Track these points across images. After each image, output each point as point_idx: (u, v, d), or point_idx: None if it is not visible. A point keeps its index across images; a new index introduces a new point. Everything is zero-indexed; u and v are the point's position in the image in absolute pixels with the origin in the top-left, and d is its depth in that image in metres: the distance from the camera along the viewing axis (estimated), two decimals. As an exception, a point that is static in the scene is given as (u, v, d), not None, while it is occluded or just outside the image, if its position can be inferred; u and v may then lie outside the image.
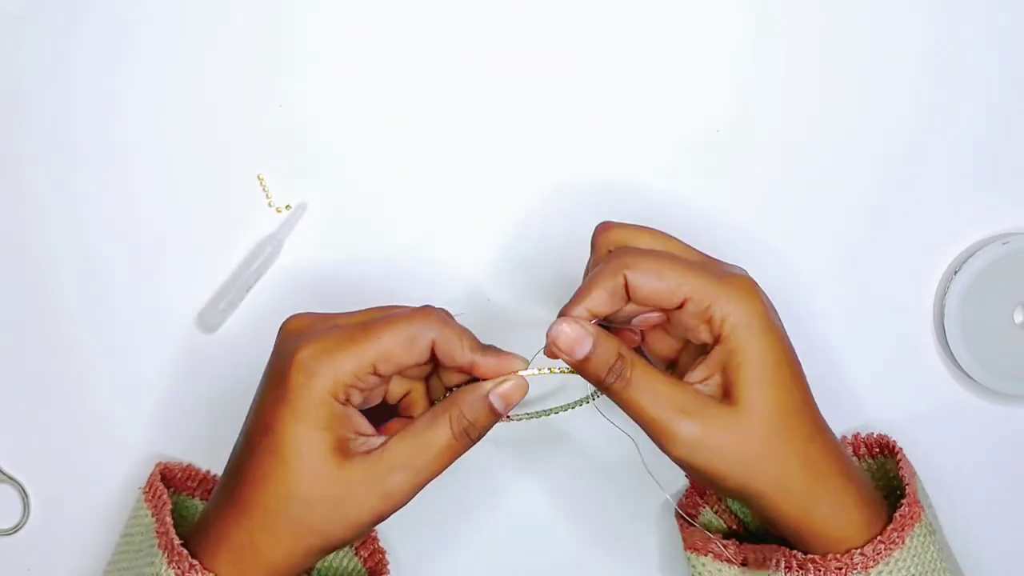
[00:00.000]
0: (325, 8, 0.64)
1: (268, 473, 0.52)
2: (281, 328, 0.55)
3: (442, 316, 0.53)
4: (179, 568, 0.52)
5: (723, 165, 0.64)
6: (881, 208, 0.64)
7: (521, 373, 0.53)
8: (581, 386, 0.55)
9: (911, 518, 0.54)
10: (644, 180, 0.64)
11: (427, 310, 0.53)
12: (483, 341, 0.54)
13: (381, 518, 0.52)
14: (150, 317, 0.64)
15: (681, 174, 0.64)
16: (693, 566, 0.59)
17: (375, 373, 0.52)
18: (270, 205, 0.64)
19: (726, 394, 0.52)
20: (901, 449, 0.60)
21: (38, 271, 0.65)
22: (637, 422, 0.53)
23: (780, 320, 0.54)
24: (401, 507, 0.52)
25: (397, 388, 0.56)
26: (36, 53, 0.64)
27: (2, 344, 0.65)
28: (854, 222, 0.64)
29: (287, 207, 0.64)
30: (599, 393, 0.55)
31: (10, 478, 0.65)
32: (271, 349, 0.55)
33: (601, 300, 0.53)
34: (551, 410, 0.58)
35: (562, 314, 0.53)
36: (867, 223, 0.64)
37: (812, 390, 0.54)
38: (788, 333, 0.54)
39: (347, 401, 0.52)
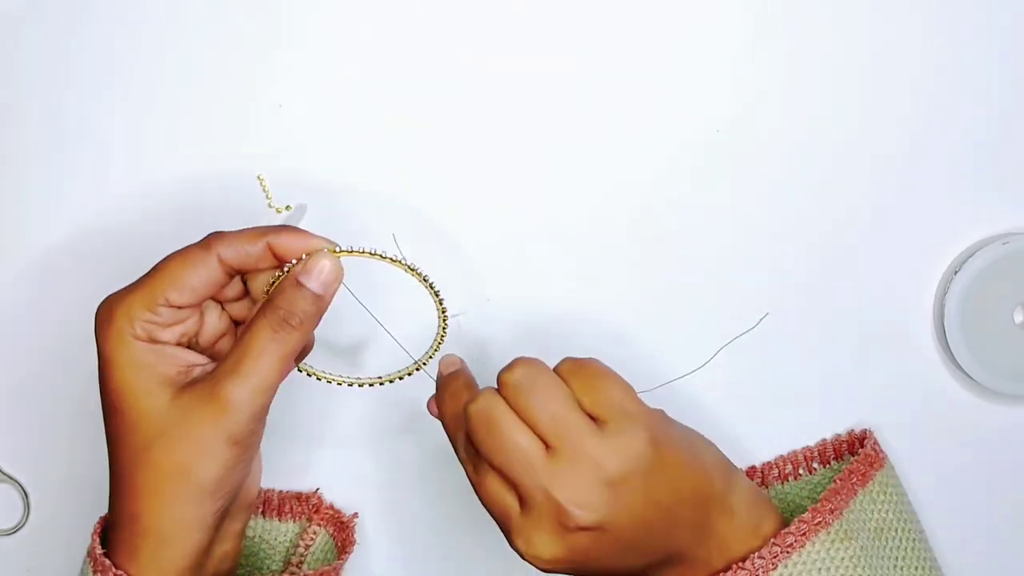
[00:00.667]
0: (325, 8, 0.64)
1: (114, 430, 0.52)
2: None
3: (222, 233, 0.53)
4: (97, 568, 0.52)
5: (723, 165, 0.64)
6: (881, 208, 0.64)
7: (328, 250, 0.52)
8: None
9: (815, 524, 0.54)
10: (644, 180, 0.64)
11: (210, 234, 0.53)
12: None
13: (234, 438, 0.51)
14: (150, 317, 0.64)
15: (681, 174, 0.64)
16: None
17: (170, 305, 0.52)
18: (270, 205, 0.64)
19: None
20: (872, 440, 0.60)
21: (37, 270, 0.65)
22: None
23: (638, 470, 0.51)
24: (251, 420, 0.51)
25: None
26: (36, 53, 0.64)
27: (2, 344, 0.65)
28: (854, 222, 0.64)
29: (287, 207, 0.64)
30: (427, 360, 0.55)
31: (10, 478, 0.65)
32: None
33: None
34: (384, 378, 0.57)
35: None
36: (867, 223, 0.64)
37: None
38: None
39: (153, 339, 0.52)
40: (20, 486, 0.65)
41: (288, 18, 0.64)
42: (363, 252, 0.53)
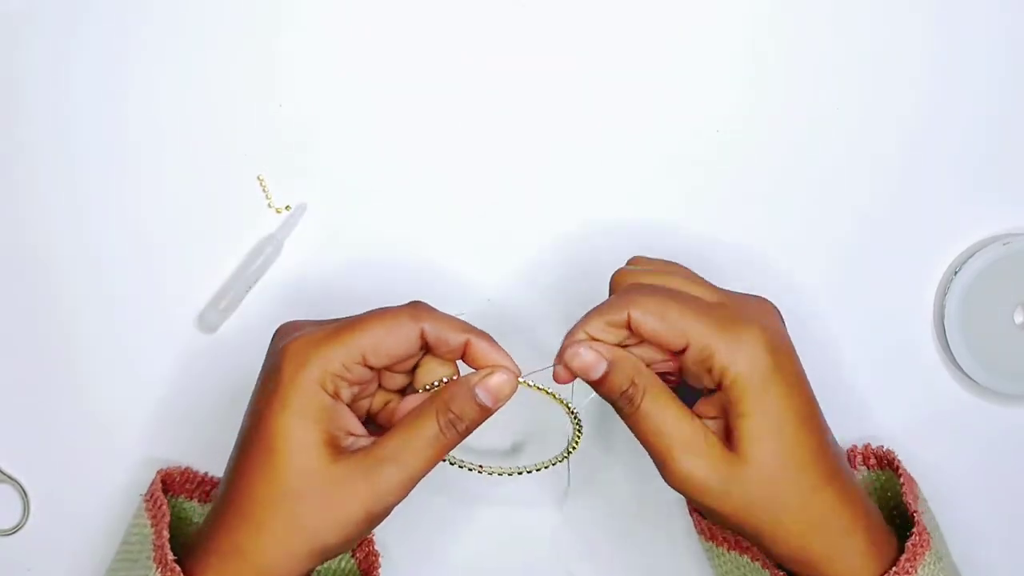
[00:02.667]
0: (325, 8, 0.64)
1: (258, 466, 0.52)
2: (276, 331, 0.55)
3: (429, 307, 0.54)
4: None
5: (723, 165, 0.64)
6: (881, 208, 0.64)
7: (514, 374, 0.53)
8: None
9: (921, 547, 0.54)
10: (644, 180, 0.64)
11: (415, 303, 0.54)
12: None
13: (372, 516, 0.52)
14: (150, 317, 0.64)
15: (681, 174, 0.64)
16: (712, 556, 0.59)
17: (364, 364, 0.52)
18: (270, 205, 0.64)
19: (728, 438, 0.52)
20: (900, 464, 0.60)
21: (38, 271, 0.65)
22: (643, 445, 0.53)
23: (793, 364, 0.53)
24: (393, 506, 0.52)
25: (380, 400, 0.56)
26: (36, 53, 0.64)
27: (2, 344, 0.65)
28: (854, 222, 0.64)
29: (287, 207, 0.64)
30: (569, 451, 0.56)
31: (10, 478, 0.65)
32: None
33: (600, 330, 0.53)
34: (527, 468, 0.58)
35: (568, 334, 0.53)
36: (867, 223, 0.64)
37: (812, 390, 0.54)
38: (791, 338, 0.54)
39: (336, 394, 0.52)
40: (20, 486, 0.65)
41: (288, 18, 0.64)
42: (540, 389, 0.54)
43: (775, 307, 0.55)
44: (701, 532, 0.60)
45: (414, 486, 0.52)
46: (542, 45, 0.64)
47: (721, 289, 0.55)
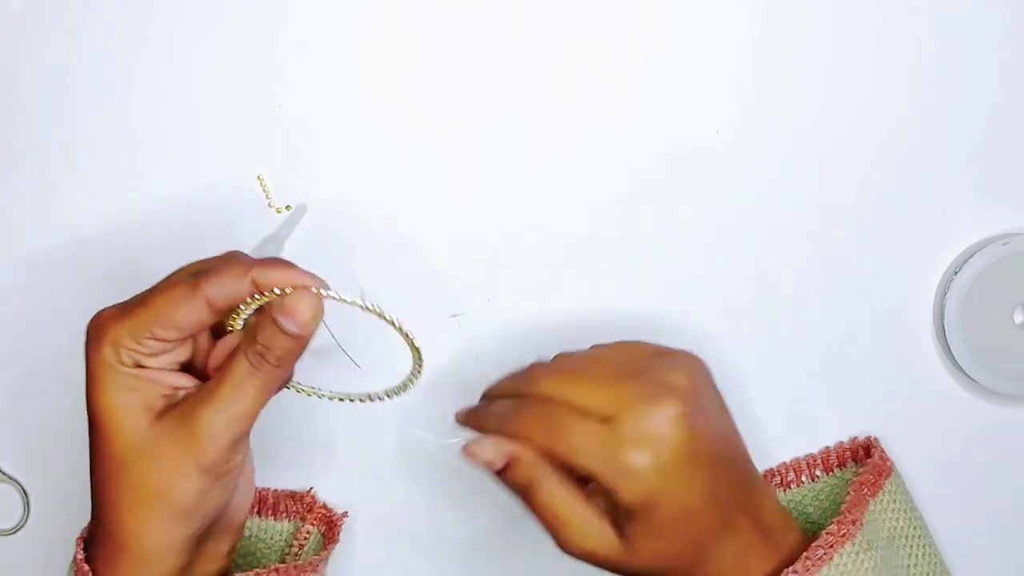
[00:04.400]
0: (325, 8, 0.64)
1: (96, 449, 0.52)
2: None
3: (209, 263, 0.52)
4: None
5: (723, 165, 0.64)
6: (881, 209, 0.64)
7: (313, 290, 0.51)
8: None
9: (841, 536, 0.54)
10: (643, 180, 0.64)
11: (194, 264, 0.53)
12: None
13: (204, 462, 0.51)
14: (150, 317, 0.64)
15: (680, 174, 0.64)
16: None
17: (155, 338, 0.51)
18: (270, 205, 0.64)
19: (616, 526, 0.52)
20: (876, 452, 0.60)
21: (38, 271, 0.65)
22: (540, 524, 0.53)
23: (692, 454, 0.51)
24: (223, 449, 0.51)
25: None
26: (37, 53, 0.64)
27: (2, 344, 0.65)
28: (853, 223, 0.64)
29: (287, 207, 0.64)
30: (410, 380, 0.55)
31: (10, 478, 0.65)
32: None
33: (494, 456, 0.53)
34: (359, 396, 0.57)
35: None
36: (867, 223, 0.64)
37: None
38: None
39: (139, 366, 0.52)
40: (20, 486, 0.65)
41: (288, 18, 0.64)
42: (347, 300, 0.52)
43: (695, 368, 0.54)
44: None
45: (243, 426, 0.51)
46: (542, 45, 0.64)
47: (625, 367, 0.53)
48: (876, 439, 0.63)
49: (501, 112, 0.64)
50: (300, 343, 0.52)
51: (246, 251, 0.64)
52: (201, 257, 0.64)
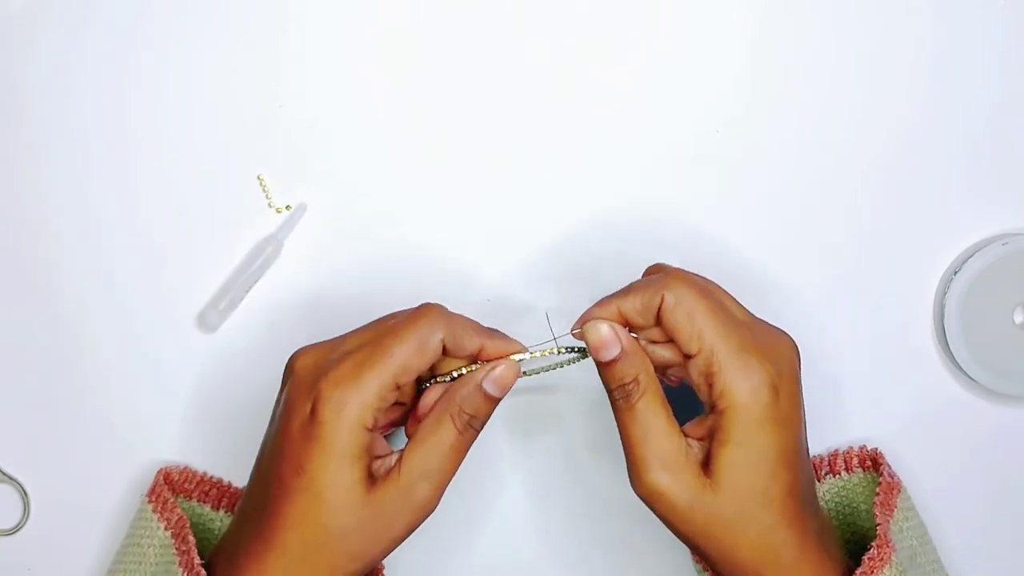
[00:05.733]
0: (325, 8, 0.64)
1: (304, 512, 0.51)
2: (290, 363, 0.54)
3: (443, 311, 0.54)
4: None
5: (723, 165, 0.64)
6: (881, 209, 0.64)
7: (515, 357, 0.54)
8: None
9: (880, 560, 0.54)
10: (643, 180, 0.64)
11: (427, 309, 0.53)
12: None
13: (413, 528, 0.53)
14: (150, 317, 0.64)
15: (680, 174, 0.64)
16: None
17: (396, 388, 0.52)
18: (270, 205, 0.64)
19: (707, 461, 0.52)
20: (885, 469, 0.60)
21: (38, 271, 0.65)
22: (623, 446, 0.53)
23: (793, 404, 0.53)
24: (431, 513, 0.53)
25: None
26: (37, 53, 0.64)
27: (2, 344, 0.65)
28: (854, 223, 0.64)
29: (287, 207, 0.64)
30: (579, 355, 0.56)
31: (10, 478, 0.65)
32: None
33: (632, 309, 0.53)
34: (544, 367, 0.58)
35: (598, 303, 0.54)
36: (867, 224, 0.64)
37: (811, 390, 0.54)
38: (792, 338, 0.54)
39: (375, 426, 0.52)
40: (20, 486, 0.65)
41: (288, 18, 0.64)
42: (544, 353, 0.55)
43: (795, 345, 0.55)
44: (699, 561, 0.60)
45: (444, 491, 0.53)
46: (543, 45, 0.64)
47: (749, 313, 0.55)
48: (880, 453, 0.62)
49: (501, 112, 0.64)
50: (495, 405, 0.54)
51: (246, 251, 0.64)
52: (198, 256, 0.64)
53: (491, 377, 0.53)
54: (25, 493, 0.65)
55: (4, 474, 0.65)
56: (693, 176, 0.64)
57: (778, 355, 0.53)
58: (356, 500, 0.51)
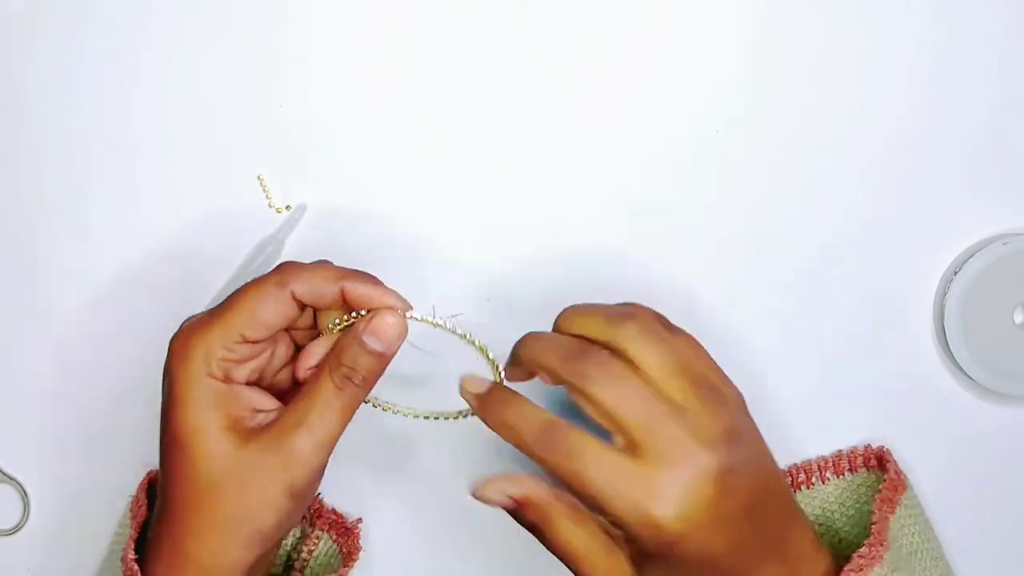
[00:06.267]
0: (325, 8, 0.64)
1: (175, 467, 0.52)
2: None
3: (296, 263, 0.53)
4: None
5: (723, 165, 0.64)
6: (881, 209, 0.64)
7: (403, 314, 0.52)
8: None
9: (871, 558, 0.53)
10: (643, 180, 0.64)
11: (281, 264, 0.53)
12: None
13: (295, 490, 0.51)
14: (150, 317, 0.64)
15: (680, 174, 0.64)
16: None
17: (246, 341, 0.52)
18: (270, 205, 0.64)
19: (634, 560, 0.51)
20: (891, 466, 0.60)
21: (38, 271, 0.65)
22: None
23: (717, 507, 0.49)
24: (315, 472, 0.52)
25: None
26: (37, 53, 0.64)
27: (2, 344, 0.65)
28: (853, 222, 0.64)
29: (287, 207, 0.64)
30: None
31: (10, 478, 0.65)
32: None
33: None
34: (444, 414, 0.56)
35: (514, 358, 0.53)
36: (867, 223, 0.64)
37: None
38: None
39: (228, 377, 0.52)
40: (20, 486, 0.65)
41: (288, 18, 0.64)
42: (432, 321, 0.53)
43: (739, 408, 0.52)
44: None
45: (331, 448, 0.52)
46: (543, 45, 0.64)
47: (661, 404, 0.49)
48: (888, 450, 0.62)
49: (501, 112, 0.64)
50: (383, 362, 0.53)
51: (246, 251, 0.64)
52: (199, 256, 0.64)
53: (370, 327, 0.52)
54: (25, 493, 0.65)
55: (4, 474, 0.65)
56: (693, 176, 0.64)
57: (693, 468, 0.48)
58: (223, 451, 0.51)
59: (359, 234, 0.64)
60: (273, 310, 0.52)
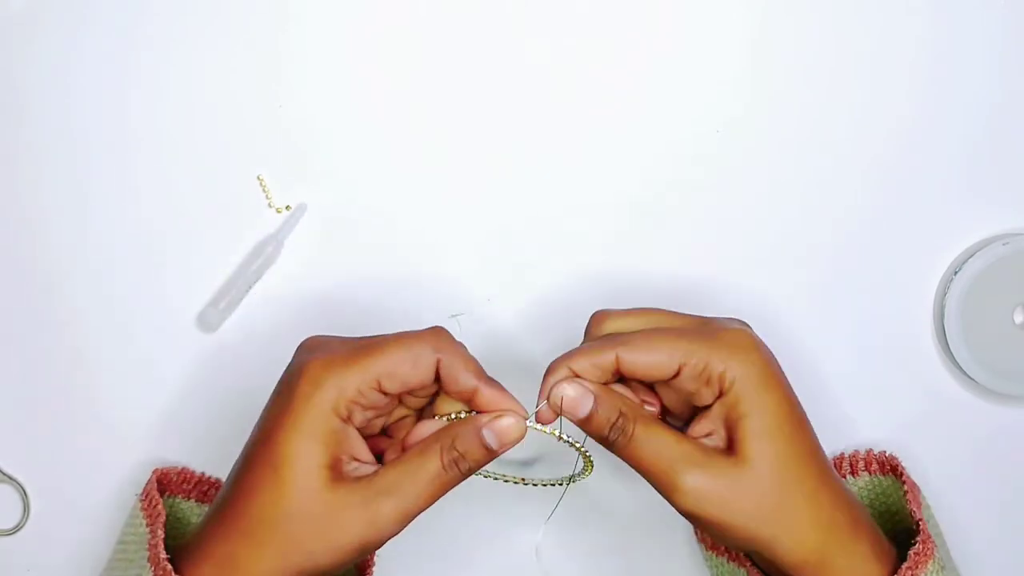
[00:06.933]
0: (325, 8, 0.64)
1: (260, 483, 0.51)
2: (299, 345, 0.54)
3: (450, 338, 0.53)
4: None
5: (723, 165, 0.64)
6: (881, 209, 0.64)
7: (522, 420, 0.53)
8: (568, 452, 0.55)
9: (924, 555, 0.53)
10: (643, 180, 0.64)
11: (436, 330, 0.53)
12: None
13: (366, 545, 0.52)
14: (150, 317, 0.64)
15: (680, 174, 0.64)
16: (711, 567, 0.59)
17: (379, 390, 0.52)
18: (270, 205, 0.64)
19: (730, 447, 0.52)
20: (904, 470, 0.60)
21: (38, 271, 0.65)
22: (643, 475, 0.53)
23: (781, 370, 0.53)
24: (389, 537, 0.52)
25: (397, 415, 0.56)
26: (37, 53, 0.64)
27: (2, 344, 0.65)
28: (854, 223, 0.64)
29: (287, 207, 0.64)
30: (579, 476, 0.55)
31: (10, 478, 0.65)
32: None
33: (586, 369, 0.53)
34: (534, 481, 0.58)
35: (549, 371, 0.53)
36: (867, 224, 0.64)
37: (811, 390, 0.54)
38: (792, 338, 0.54)
39: (349, 418, 0.52)
40: (20, 486, 0.65)
41: (288, 18, 0.64)
42: (547, 431, 0.53)
43: (751, 329, 0.55)
44: (702, 540, 0.60)
45: (412, 520, 0.52)
46: (543, 46, 0.64)
47: (698, 316, 0.55)
48: (896, 457, 0.62)
49: (501, 112, 0.64)
50: (491, 459, 0.53)
51: (246, 251, 0.64)
52: (198, 256, 0.64)
53: (492, 425, 0.52)
54: (25, 493, 0.65)
55: (4, 474, 0.65)
56: (693, 176, 0.64)
57: (745, 332, 0.54)
58: (314, 487, 0.51)
59: (359, 234, 0.64)
60: (417, 371, 0.52)
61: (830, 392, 0.65)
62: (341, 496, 0.51)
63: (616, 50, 0.64)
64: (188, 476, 0.62)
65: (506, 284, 0.64)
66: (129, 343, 0.64)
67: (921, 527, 0.55)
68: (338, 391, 0.51)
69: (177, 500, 0.61)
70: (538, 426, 0.53)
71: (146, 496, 0.58)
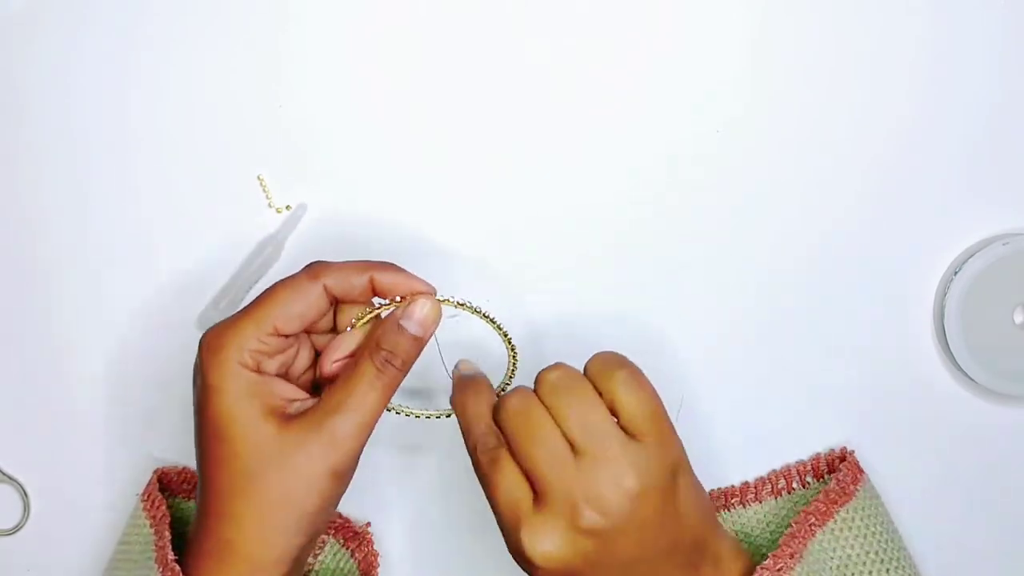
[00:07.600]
0: (325, 8, 0.64)
1: (219, 461, 0.52)
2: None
3: (327, 263, 0.54)
4: None
5: (723, 165, 0.64)
6: (881, 209, 0.64)
7: (431, 297, 0.54)
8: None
9: (776, 571, 0.54)
10: (644, 180, 0.64)
11: (311, 264, 0.54)
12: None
13: (337, 471, 0.52)
14: (150, 317, 0.64)
15: (681, 174, 0.64)
16: None
17: (278, 333, 0.53)
18: (270, 205, 0.64)
19: None
20: (842, 467, 0.60)
21: (38, 271, 0.65)
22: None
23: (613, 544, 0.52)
24: (353, 455, 0.52)
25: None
26: (37, 53, 0.64)
27: (2, 344, 0.65)
28: (854, 223, 0.64)
29: (287, 207, 0.64)
30: (508, 380, 0.56)
31: (10, 478, 0.65)
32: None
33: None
34: (428, 413, 0.58)
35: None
36: (867, 224, 0.64)
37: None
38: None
39: (259, 368, 0.52)
40: (20, 486, 0.65)
41: (288, 18, 0.64)
42: (458, 304, 0.55)
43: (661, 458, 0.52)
44: None
45: (370, 431, 0.53)
46: (542, 45, 0.64)
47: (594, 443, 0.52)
48: (850, 453, 0.62)
49: (501, 113, 0.64)
50: (420, 345, 0.54)
51: (246, 251, 0.64)
52: (201, 257, 0.64)
53: (407, 312, 0.54)
54: (25, 493, 0.65)
55: (4, 474, 0.65)
56: (693, 175, 0.64)
57: (617, 488, 0.51)
58: (265, 436, 0.51)
59: (359, 234, 0.64)
60: (305, 303, 0.53)
61: (829, 392, 0.65)
62: (295, 433, 0.52)
63: (616, 50, 0.64)
64: (189, 476, 0.62)
65: (506, 284, 0.64)
66: (129, 343, 0.64)
67: (781, 542, 0.56)
68: (237, 346, 0.52)
69: (178, 500, 0.61)
70: (449, 297, 0.55)
71: (148, 496, 0.58)
